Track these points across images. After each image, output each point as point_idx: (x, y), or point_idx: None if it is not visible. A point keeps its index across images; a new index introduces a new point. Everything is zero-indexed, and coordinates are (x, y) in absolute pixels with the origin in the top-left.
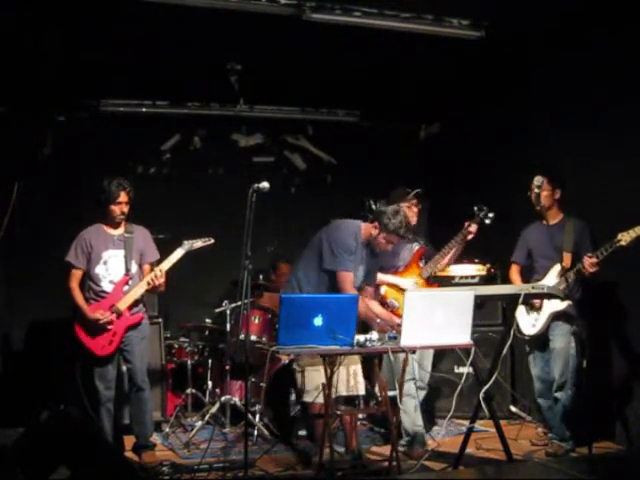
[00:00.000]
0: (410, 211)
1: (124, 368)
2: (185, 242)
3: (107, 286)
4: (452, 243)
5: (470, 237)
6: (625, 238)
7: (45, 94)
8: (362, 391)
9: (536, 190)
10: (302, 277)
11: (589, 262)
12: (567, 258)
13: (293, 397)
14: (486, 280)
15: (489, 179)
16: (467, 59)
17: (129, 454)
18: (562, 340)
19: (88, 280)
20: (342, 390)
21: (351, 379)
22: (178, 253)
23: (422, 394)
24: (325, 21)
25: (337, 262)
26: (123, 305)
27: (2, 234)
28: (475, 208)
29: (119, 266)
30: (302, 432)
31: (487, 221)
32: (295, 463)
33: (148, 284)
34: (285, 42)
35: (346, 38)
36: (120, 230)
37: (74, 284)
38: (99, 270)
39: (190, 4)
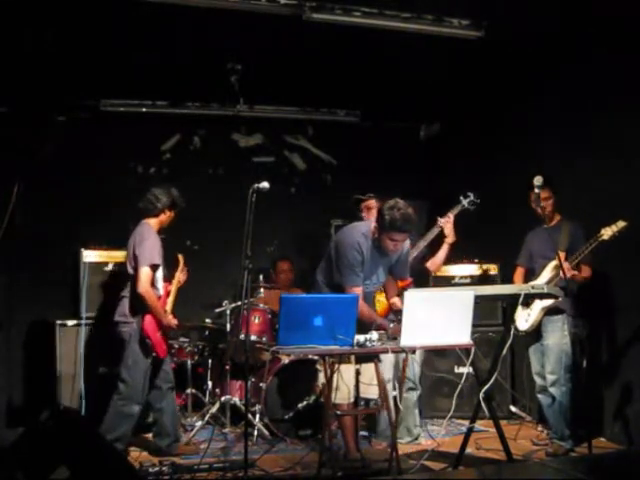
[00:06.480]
0: None
1: None
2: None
3: (160, 290)
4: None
5: (441, 223)
6: (607, 232)
7: (45, 94)
8: (375, 395)
9: (536, 190)
10: (321, 282)
11: (566, 266)
12: (562, 256)
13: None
14: (485, 280)
15: (489, 179)
16: (467, 59)
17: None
18: (554, 336)
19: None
20: (365, 392)
21: (373, 381)
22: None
23: (414, 394)
24: (325, 21)
25: (344, 280)
26: (169, 307)
27: (2, 234)
28: (461, 197)
29: (162, 271)
30: (303, 432)
31: (471, 207)
32: (295, 463)
33: (179, 282)
34: (285, 42)
35: (346, 38)
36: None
37: (151, 288)
38: (159, 274)
39: (190, 4)
